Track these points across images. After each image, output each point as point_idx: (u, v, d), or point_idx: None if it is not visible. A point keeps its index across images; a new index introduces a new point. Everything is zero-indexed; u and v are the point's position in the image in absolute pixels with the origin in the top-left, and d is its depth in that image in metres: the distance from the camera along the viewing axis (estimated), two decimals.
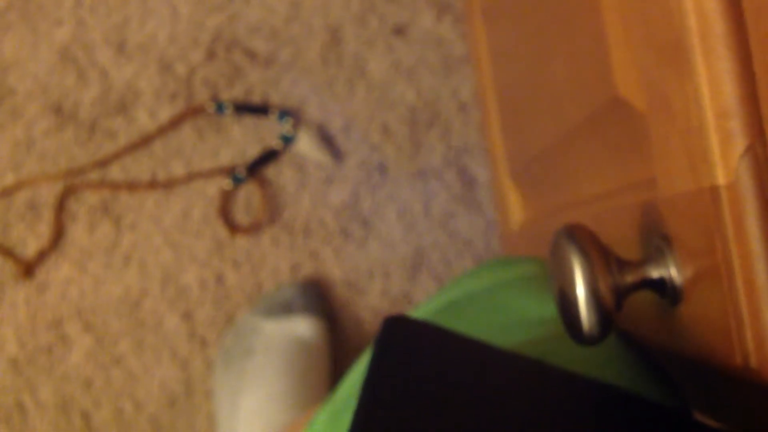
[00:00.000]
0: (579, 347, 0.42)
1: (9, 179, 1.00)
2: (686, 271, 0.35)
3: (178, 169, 1.01)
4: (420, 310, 0.60)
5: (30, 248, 1.00)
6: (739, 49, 0.30)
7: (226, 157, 1.01)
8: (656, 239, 0.38)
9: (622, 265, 0.36)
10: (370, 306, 1.01)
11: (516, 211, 0.85)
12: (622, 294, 0.36)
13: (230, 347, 0.95)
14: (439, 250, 1.01)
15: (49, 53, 1.01)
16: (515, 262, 0.60)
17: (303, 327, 0.93)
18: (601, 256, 0.35)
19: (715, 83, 0.31)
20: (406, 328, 0.38)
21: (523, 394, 0.37)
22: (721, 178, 0.31)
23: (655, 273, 0.36)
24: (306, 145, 0.99)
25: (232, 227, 1.00)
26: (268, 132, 1.01)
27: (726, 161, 0.30)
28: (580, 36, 0.46)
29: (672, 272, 0.36)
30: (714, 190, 0.31)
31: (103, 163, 1.00)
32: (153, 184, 1.00)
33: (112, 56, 1.01)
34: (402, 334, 0.37)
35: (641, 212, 0.40)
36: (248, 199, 1.01)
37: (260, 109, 1.00)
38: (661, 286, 0.36)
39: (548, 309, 0.52)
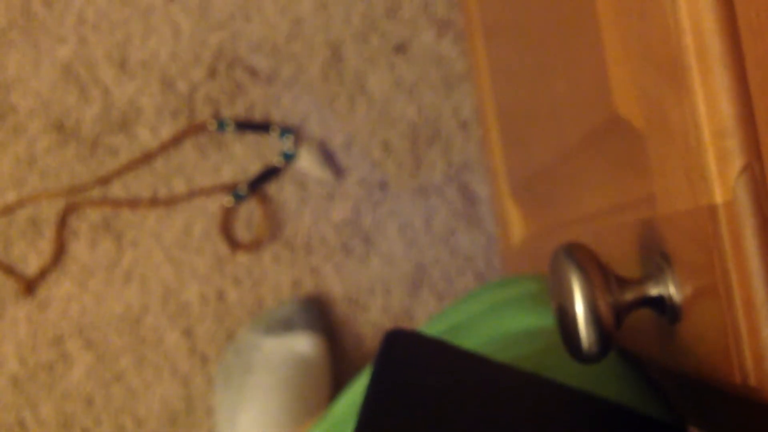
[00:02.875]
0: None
1: (11, 196, 1.01)
2: (685, 289, 0.35)
3: (180, 186, 1.01)
4: None
5: (31, 265, 1.00)
6: (735, 69, 0.30)
7: (227, 174, 1.01)
8: (656, 257, 0.38)
9: (622, 282, 0.36)
10: (371, 322, 1.01)
11: (517, 227, 0.85)
12: (621, 312, 0.36)
13: (230, 364, 0.95)
14: (440, 266, 1.01)
15: (51, 71, 1.02)
16: (513, 281, 0.60)
17: (303, 343, 0.93)
18: (600, 274, 0.35)
19: (712, 102, 0.31)
20: (407, 342, 0.38)
21: (520, 407, 0.37)
22: (718, 197, 0.31)
23: (654, 291, 0.36)
24: (307, 161, 1.00)
25: (233, 244, 1.00)
26: (269, 149, 1.01)
27: (723, 180, 0.31)
28: (579, 54, 0.47)
29: (671, 290, 0.36)
30: (712, 208, 0.31)
31: (105, 181, 1.01)
32: (154, 201, 1.01)
33: (114, 73, 1.02)
34: (403, 348, 0.37)
35: (641, 230, 0.40)
36: (249, 215, 1.01)
37: (261, 126, 1.00)
38: (660, 304, 0.36)
39: (546, 321, 0.53)
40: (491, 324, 0.55)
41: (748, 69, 0.30)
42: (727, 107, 0.30)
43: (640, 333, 0.42)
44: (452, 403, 0.35)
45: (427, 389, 0.35)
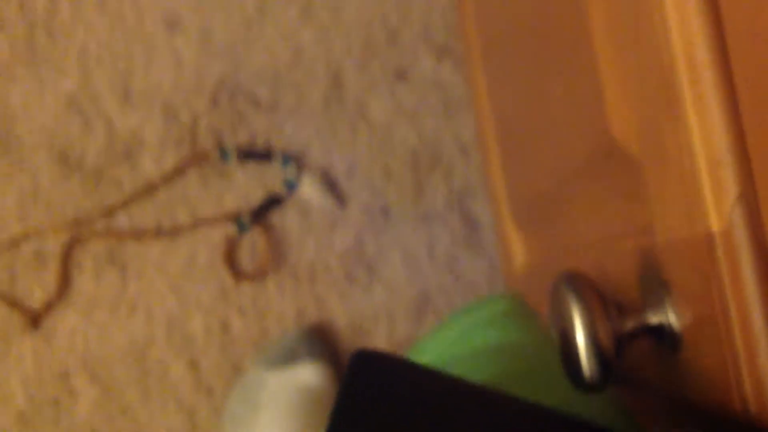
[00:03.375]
0: (559, 379, 0.43)
1: (15, 229, 1.01)
2: (684, 318, 0.35)
3: (183, 217, 1.01)
4: None
5: (36, 298, 1.00)
6: (728, 98, 0.31)
7: (230, 204, 1.01)
8: (655, 285, 0.38)
9: (622, 311, 0.36)
10: None
11: (519, 253, 0.85)
12: (622, 340, 0.36)
13: (237, 405, 0.95)
14: (444, 293, 1.01)
15: (54, 103, 1.02)
16: (482, 304, 0.61)
17: (308, 374, 0.93)
18: (599, 303, 0.35)
19: (706, 132, 0.31)
20: (375, 364, 0.38)
21: (489, 426, 0.37)
22: (714, 225, 0.31)
23: (654, 319, 0.36)
24: (310, 190, 1.00)
25: (237, 274, 1.00)
26: (272, 178, 1.02)
27: (719, 208, 0.31)
28: (576, 81, 0.47)
29: (671, 318, 0.36)
30: (708, 236, 0.31)
31: (109, 212, 1.01)
32: (158, 232, 1.01)
33: (117, 105, 1.02)
34: (371, 370, 0.37)
35: (640, 257, 0.40)
36: (253, 245, 1.01)
37: (264, 155, 1.01)
38: (660, 332, 0.36)
39: (515, 336, 0.53)
40: (463, 344, 0.55)
41: (740, 99, 0.30)
42: (720, 137, 0.31)
43: (642, 362, 0.42)
44: (419, 423, 0.35)
45: (395, 413, 0.35)
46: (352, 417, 0.34)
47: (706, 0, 0.31)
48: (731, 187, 0.30)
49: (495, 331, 0.55)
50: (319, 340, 0.97)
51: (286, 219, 1.01)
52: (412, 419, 0.35)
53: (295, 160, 1.01)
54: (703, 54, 0.31)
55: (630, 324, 0.36)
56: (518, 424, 0.37)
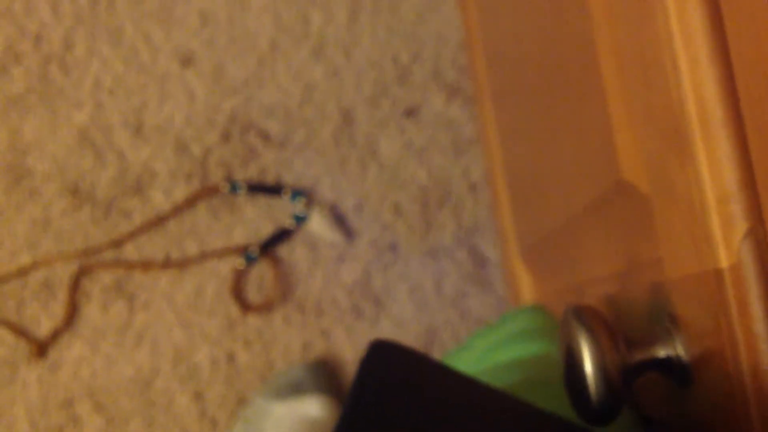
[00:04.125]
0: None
1: (25, 259, 1.02)
2: (693, 352, 0.35)
3: (192, 249, 1.02)
4: None
5: (43, 327, 1.01)
6: (737, 135, 0.31)
7: (239, 237, 1.02)
8: (664, 319, 0.38)
9: (630, 344, 0.36)
10: None
11: (527, 290, 0.85)
12: (630, 373, 0.36)
13: None
14: (450, 328, 1.01)
15: (67, 135, 1.04)
16: (504, 321, 0.61)
17: (313, 407, 0.93)
18: (608, 336, 0.36)
19: (715, 168, 0.32)
20: (392, 355, 0.38)
21: (500, 428, 0.37)
22: (723, 261, 0.31)
23: (662, 353, 0.36)
24: (318, 224, 1.00)
25: (245, 306, 1.00)
26: (281, 211, 1.02)
27: (728, 244, 0.31)
28: (586, 119, 0.48)
29: (680, 352, 0.36)
30: (717, 272, 0.32)
31: (118, 243, 1.02)
32: (167, 264, 1.01)
33: (129, 138, 1.03)
34: (387, 360, 0.37)
35: (650, 292, 0.40)
36: (261, 277, 1.01)
37: (273, 189, 1.02)
38: (669, 366, 0.36)
39: (534, 350, 0.53)
40: (487, 360, 0.56)
41: (748, 136, 0.30)
42: (729, 173, 0.31)
43: (654, 397, 0.42)
44: (432, 418, 0.35)
45: (408, 402, 0.35)
46: (366, 404, 0.34)
47: (716, 40, 0.32)
48: (740, 223, 0.31)
49: (519, 345, 0.56)
50: (326, 374, 0.97)
51: (294, 252, 1.02)
52: (423, 410, 0.35)
53: (305, 194, 1.02)
54: (712, 91, 0.31)
55: (638, 357, 0.36)
56: (523, 425, 0.37)
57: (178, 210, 1.02)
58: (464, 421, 0.36)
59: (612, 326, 0.36)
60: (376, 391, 0.35)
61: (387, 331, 1.00)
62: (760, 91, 0.29)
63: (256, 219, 1.02)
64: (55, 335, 1.00)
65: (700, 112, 0.32)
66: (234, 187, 1.02)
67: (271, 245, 1.01)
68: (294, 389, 0.95)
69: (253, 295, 1.01)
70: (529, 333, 0.57)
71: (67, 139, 1.03)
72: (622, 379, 0.35)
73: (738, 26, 0.30)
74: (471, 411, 0.36)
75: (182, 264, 1.01)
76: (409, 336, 1.00)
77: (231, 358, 1.00)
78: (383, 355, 0.37)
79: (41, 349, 1.00)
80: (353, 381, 0.36)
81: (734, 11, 0.30)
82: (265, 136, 1.03)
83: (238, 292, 1.01)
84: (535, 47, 0.59)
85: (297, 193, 1.02)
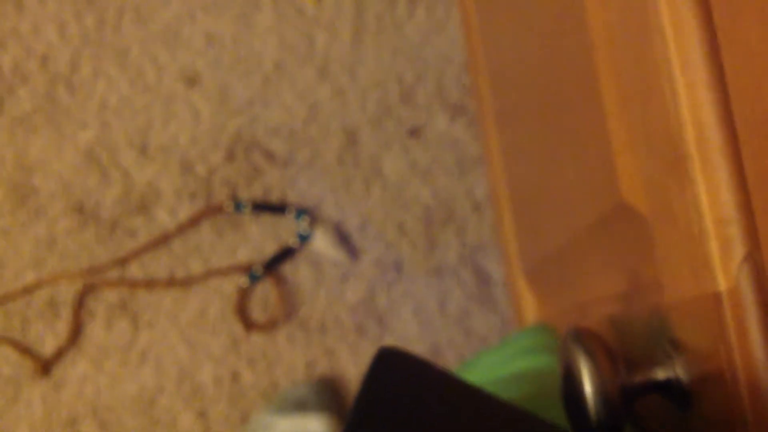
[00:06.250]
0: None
1: (30, 277, 1.02)
2: (693, 375, 0.35)
3: (196, 267, 1.02)
4: None
5: (48, 346, 1.01)
6: (735, 159, 0.31)
7: (243, 255, 1.02)
8: (664, 341, 0.38)
9: (631, 366, 0.36)
10: None
11: (531, 309, 0.85)
12: (630, 396, 0.36)
13: None
14: (454, 347, 1.01)
15: (73, 154, 1.04)
16: (524, 334, 0.62)
17: (316, 425, 0.93)
18: (607, 359, 0.36)
19: (713, 192, 0.32)
20: (399, 362, 0.38)
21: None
22: (722, 284, 0.31)
23: (662, 375, 0.36)
24: (322, 243, 1.01)
25: (248, 324, 1.00)
26: (285, 230, 1.03)
27: (726, 267, 0.31)
28: (587, 141, 0.48)
29: (680, 375, 0.36)
30: (716, 295, 0.32)
31: (123, 261, 1.02)
32: (171, 282, 1.02)
33: (134, 157, 1.04)
34: (395, 367, 0.38)
35: (649, 314, 0.40)
36: (265, 296, 1.02)
37: (278, 208, 1.02)
38: (669, 389, 0.36)
39: (536, 364, 0.54)
40: (504, 368, 0.56)
41: (746, 160, 0.31)
42: (727, 197, 0.31)
43: (655, 416, 0.42)
44: (437, 424, 0.36)
45: (413, 408, 0.36)
46: (372, 409, 0.35)
47: (713, 66, 0.32)
48: (738, 247, 0.31)
49: (524, 360, 0.56)
50: (329, 392, 0.97)
51: (298, 271, 1.02)
52: (428, 416, 0.35)
53: (309, 213, 1.02)
54: (710, 116, 0.32)
55: (638, 379, 0.36)
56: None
57: (183, 229, 1.02)
58: (468, 428, 0.36)
59: (611, 348, 0.36)
60: (383, 396, 0.35)
61: None
62: (756, 115, 0.30)
63: (260, 238, 1.03)
64: (60, 353, 1.01)
65: (698, 136, 0.32)
66: (238, 206, 1.02)
67: (275, 264, 1.01)
68: (298, 407, 0.95)
69: (257, 313, 1.02)
70: (534, 349, 0.58)
71: (73, 158, 1.04)
72: (621, 402, 0.35)
73: (734, 52, 0.31)
74: (475, 419, 0.36)
75: (186, 282, 1.02)
76: None
77: (235, 376, 1.01)
78: (391, 362, 0.37)
79: (45, 367, 1.00)
80: (360, 386, 0.36)
81: (731, 38, 0.31)
82: (270, 156, 1.04)
83: (242, 310, 1.01)
84: (537, 69, 0.59)
85: (301, 211, 1.02)
